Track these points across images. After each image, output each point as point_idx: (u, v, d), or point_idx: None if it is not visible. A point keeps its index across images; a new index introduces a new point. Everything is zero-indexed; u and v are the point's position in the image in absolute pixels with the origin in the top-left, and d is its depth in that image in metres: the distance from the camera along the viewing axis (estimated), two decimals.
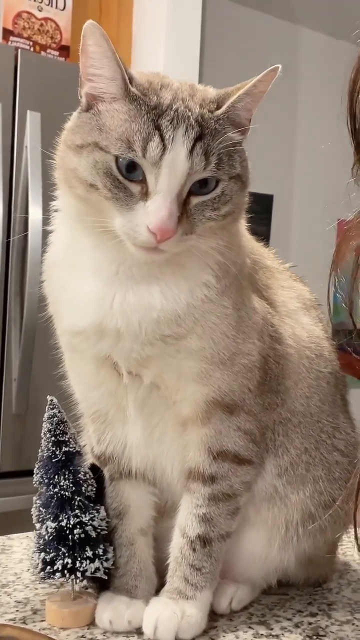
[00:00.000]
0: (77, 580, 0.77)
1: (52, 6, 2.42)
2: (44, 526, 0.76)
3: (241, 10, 3.40)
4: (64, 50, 2.44)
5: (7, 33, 2.45)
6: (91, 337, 0.73)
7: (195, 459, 0.76)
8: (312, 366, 0.84)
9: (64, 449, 0.78)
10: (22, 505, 2.22)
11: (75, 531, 0.76)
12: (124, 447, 0.80)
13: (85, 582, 0.79)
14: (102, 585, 0.79)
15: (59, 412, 0.78)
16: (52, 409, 0.78)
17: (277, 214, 3.46)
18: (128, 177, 0.66)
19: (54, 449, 0.77)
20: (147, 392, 0.75)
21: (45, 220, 0.79)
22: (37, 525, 0.77)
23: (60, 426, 0.78)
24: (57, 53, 2.45)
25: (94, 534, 0.77)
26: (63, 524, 0.76)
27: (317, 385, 0.84)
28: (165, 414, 0.76)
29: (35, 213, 2.22)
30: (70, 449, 0.78)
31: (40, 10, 2.41)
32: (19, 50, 2.33)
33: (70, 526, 0.76)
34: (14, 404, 2.29)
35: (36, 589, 0.85)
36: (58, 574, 0.75)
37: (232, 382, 0.75)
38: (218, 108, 0.70)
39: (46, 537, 0.76)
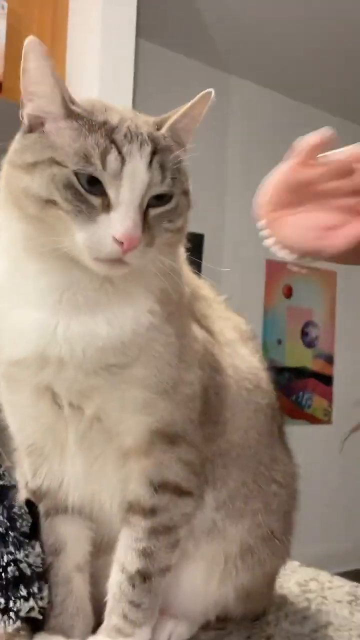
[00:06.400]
0: (10, 621, 0.73)
1: None
2: None
3: (172, 56, 3.50)
4: None
5: None
6: (32, 365, 0.71)
7: (136, 492, 0.75)
8: (251, 397, 0.84)
9: None
10: None
11: (9, 569, 0.72)
12: (60, 482, 0.77)
13: (18, 623, 0.75)
14: (35, 626, 0.76)
15: None
16: None
17: (208, 253, 3.53)
18: (89, 190, 0.66)
19: None
20: (88, 425, 0.73)
21: None
22: None
23: None
24: None
25: (28, 572, 0.74)
26: None
27: (255, 417, 0.84)
28: (106, 447, 0.75)
29: None
30: (5, 483, 0.76)
31: None
32: None
33: (4, 564, 0.72)
34: None
35: None
36: None
37: (175, 411, 0.74)
38: (159, 129, 0.71)
39: None
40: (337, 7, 3.19)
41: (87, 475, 0.76)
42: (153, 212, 0.68)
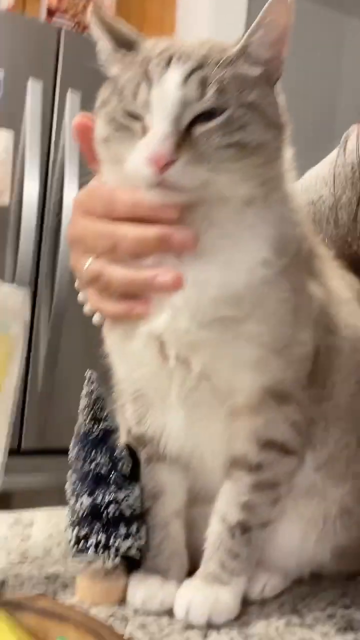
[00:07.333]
0: (110, 558, 0.76)
1: None
2: (79, 502, 0.75)
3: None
4: None
5: (51, 12, 2.45)
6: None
7: (242, 448, 0.74)
8: None
9: (102, 425, 0.77)
10: (42, 482, 2.23)
11: (110, 508, 0.75)
12: (162, 431, 0.78)
13: (117, 560, 0.78)
14: (131, 564, 0.79)
15: (97, 387, 0.77)
16: (91, 384, 0.78)
17: None
18: (130, 122, 0.67)
19: (91, 425, 0.77)
20: (195, 383, 0.72)
21: None
22: (72, 501, 0.76)
23: (99, 402, 0.77)
24: None
25: (128, 513, 0.76)
26: (98, 500, 0.75)
27: None
28: (213, 406, 0.74)
29: (70, 193, 2.22)
30: (108, 426, 0.77)
31: None
32: (62, 29, 2.32)
33: (105, 503, 0.75)
34: (39, 383, 2.29)
35: (66, 564, 0.85)
36: (91, 550, 0.74)
37: (287, 370, 0.73)
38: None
39: (80, 513, 0.75)
40: None
41: (190, 430, 0.76)
42: (200, 128, 0.65)
